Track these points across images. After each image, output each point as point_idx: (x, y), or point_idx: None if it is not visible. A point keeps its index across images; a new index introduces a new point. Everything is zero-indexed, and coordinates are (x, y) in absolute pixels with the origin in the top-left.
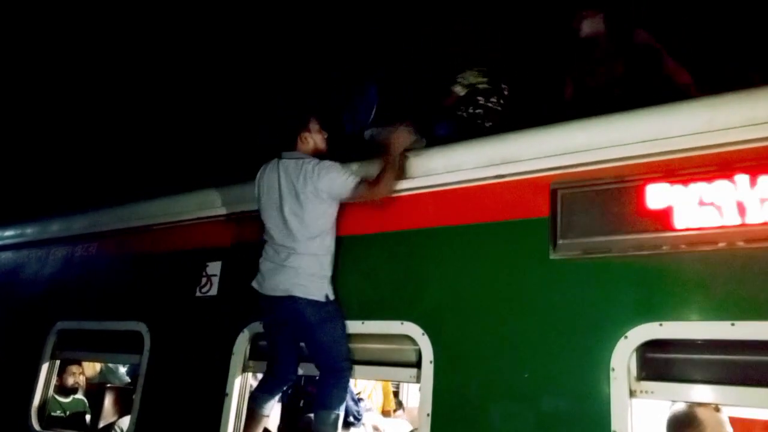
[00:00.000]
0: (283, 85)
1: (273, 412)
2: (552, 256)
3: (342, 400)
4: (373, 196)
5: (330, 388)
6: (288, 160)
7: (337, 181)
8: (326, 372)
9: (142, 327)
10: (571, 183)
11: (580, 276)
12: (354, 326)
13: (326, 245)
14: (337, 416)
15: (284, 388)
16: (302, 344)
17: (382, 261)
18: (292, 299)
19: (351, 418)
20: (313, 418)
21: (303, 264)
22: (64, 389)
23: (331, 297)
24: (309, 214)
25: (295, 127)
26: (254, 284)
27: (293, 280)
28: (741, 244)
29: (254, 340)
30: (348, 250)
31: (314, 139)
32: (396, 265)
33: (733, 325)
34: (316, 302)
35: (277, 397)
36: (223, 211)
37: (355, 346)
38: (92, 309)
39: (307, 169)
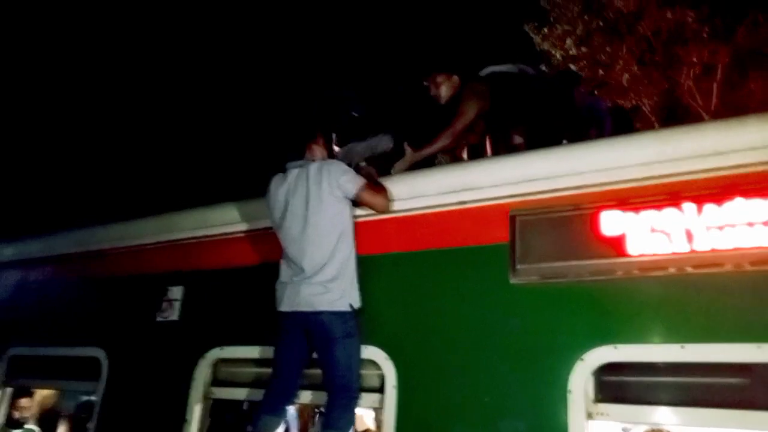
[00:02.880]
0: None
1: None
2: (511, 281)
3: (351, 422)
4: (374, 202)
5: (341, 409)
6: (293, 169)
7: (346, 175)
8: (338, 391)
9: (99, 353)
10: (529, 210)
11: (538, 300)
12: None
13: (347, 248)
14: None
15: (287, 409)
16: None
17: None
18: (317, 313)
19: None
20: None
21: (325, 274)
22: (13, 422)
23: (356, 305)
24: (325, 214)
25: (303, 136)
26: (277, 305)
27: (316, 292)
28: (689, 269)
29: (216, 366)
30: None
31: (321, 152)
32: (360, 290)
33: (683, 347)
34: (342, 313)
35: (281, 419)
36: (184, 235)
37: (320, 371)
38: (47, 334)
39: (314, 169)
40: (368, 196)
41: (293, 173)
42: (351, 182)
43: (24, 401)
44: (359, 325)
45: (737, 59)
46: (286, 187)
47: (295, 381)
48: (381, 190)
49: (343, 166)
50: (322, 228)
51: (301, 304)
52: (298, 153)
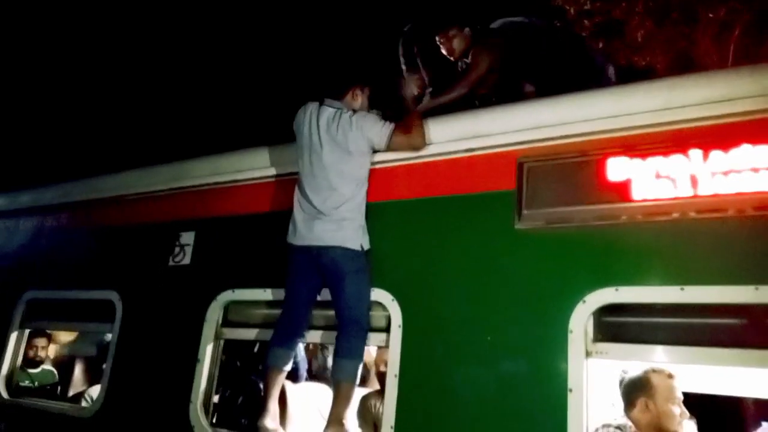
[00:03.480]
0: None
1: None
2: (517, 227)
3: (362, 350)
4: (409, 144)
5: (352, 338)
6: (329, 108)
7: (375, 130)
8: (349, 323)
9: (113, 296)
10: (537, 157)
11: (542, 245)
12: (327, 292)
13: (362, 195)
14: (357, 365)
15: (298, 342)
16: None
17: None
18: (330, 249)
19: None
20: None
21: (340, 213)
22: (31, 361)
23: (366, 246)
24: (348, 165)
25: (353, 79)
26: (289, 238)
27: (330, 229)
28: (692, 214)
29: (227, 307)
30: None
31: (362, 100)
32: (369, 236)
33: (682, 289)
34: (353, 251)
35: (293, 352)
36: (196, 182)
37: (328, 312)
38: (62, 279)
39: (346, 119)
40: (401, 142)
41: (329, 112)
42: (379, 135)
43: (40, 341)
44: (369, 263)
45: (757, 18)
46: (315, 123)
47: (304, 315)
48: (411, 128)
49: (372, 119)
50: (345, 176)
51: (314, 239)
52: (337, 92)
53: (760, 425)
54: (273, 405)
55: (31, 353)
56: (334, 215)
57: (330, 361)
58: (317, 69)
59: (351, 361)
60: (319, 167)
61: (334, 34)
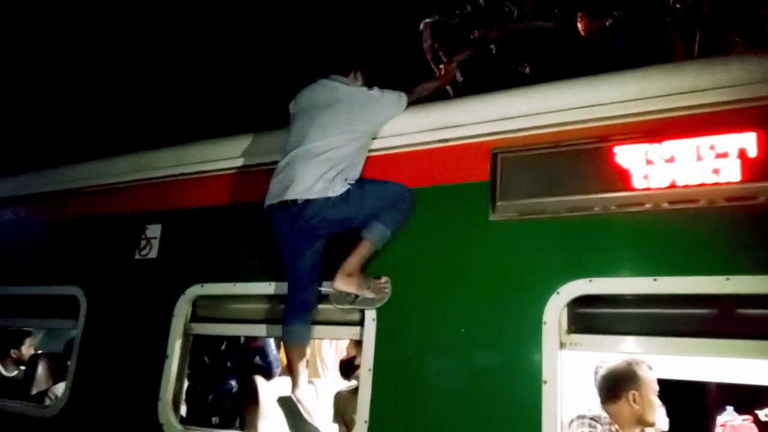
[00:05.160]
0: None
1: None
2: (491, 218)
3: (396, 223)
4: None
5: (392, 210)
6: (338, 83)
7: (391, 108)
8: (385, 209)
9: (77, 291)
10: (511, 148)
11: (517, 236)
12: None
13: (364, 155)
14: (386, 235)
15: (312, 313)
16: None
17: None
18: (311, 201)
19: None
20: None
21: (329, 163)
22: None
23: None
24: (355, 134)
25: (358, 60)
26: (267, 200)
27: (314, 174)
28: (665, 205)
29: (195, 302)
30: None
31: (361, 82)
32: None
33: (655, 280)
34: (339, 197)
35: (309, 324)
36: (163, 172)
37: None
38: (23, 274)
39: (354, 90)
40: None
41: (335, 84)
42: (395, 108)
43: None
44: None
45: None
46: (322, 91)
47: (311, 285)
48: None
49: (387, 97)
50: (341, 132)
51: (295, 192)
52: (343, 70)
53: (724, 409)
54: (302, 378)
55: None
56: (321, 155)
57: None
58: (320, 49)
59: (383, 226)
60: (320, 120)
61: (331, 19)
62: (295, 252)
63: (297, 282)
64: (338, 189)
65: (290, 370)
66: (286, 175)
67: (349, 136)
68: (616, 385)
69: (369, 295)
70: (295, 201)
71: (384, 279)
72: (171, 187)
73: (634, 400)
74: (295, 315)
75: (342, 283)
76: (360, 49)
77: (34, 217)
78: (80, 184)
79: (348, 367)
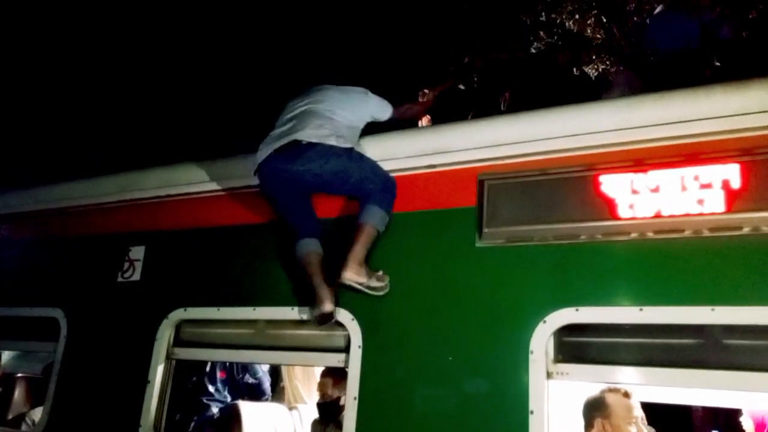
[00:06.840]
0: None
1: None
2: (478, 244)
3: (391, 204)
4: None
5: (386, 192)
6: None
7: (382, 107)
8: (378, 191)
9: (58, 313)
10: (498, 174)
11: (503, 263)
12: (284, 312)
13: (356, 138)
14: (385, 216)
15: (320, 230)
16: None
17: None
18: (314, 145)
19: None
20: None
21: (332, 123)
22: None
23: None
24: (351, 126)
25: (355, 63)
26: (262, 153)
27: (319, 125)
28: (651, 235)
29: (178, 326)
30: (281, 236)
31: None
32: (325, 254)
33: (641, 310)
34: (342, 149)
35: (317, 236)
36: (147, 194)
37: (285, 332)
38: (2, 294)
39: (355, 93)
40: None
41: (329, 87)
42: (384, 110)
43: None
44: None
45: None
46: (317, 89)
47: (312, 220)
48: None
49: (377, 98)
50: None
51: (294, 136)
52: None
53: None
54: (323, 291)
55: None
56: (322, 114)
57: None
58: (316, 59)
59: (380, 209)
60: (321, 96)
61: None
62: (291, 199)
63: (300, 223)
64: (342, 143)
65: (310, 283)
66: (293, 125)
67: (346, 117)
68: (588, 414)
69: (375, 284)
70: (299, 142)
71: (381, 271)
72: (155, 208)
73: (604, 428)
74: (302, 233)
75: (353, 273)
76: (359, 50)
77: (14, 237)
78: (63, 204)
79: (332, 410)
